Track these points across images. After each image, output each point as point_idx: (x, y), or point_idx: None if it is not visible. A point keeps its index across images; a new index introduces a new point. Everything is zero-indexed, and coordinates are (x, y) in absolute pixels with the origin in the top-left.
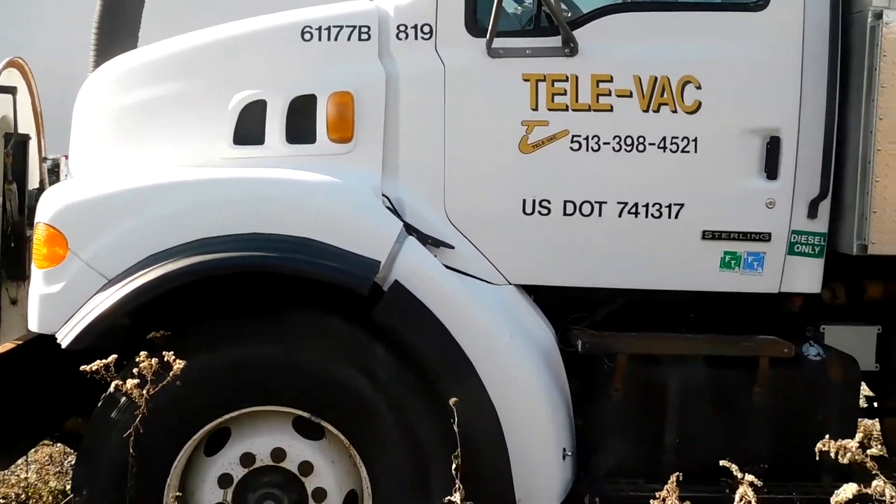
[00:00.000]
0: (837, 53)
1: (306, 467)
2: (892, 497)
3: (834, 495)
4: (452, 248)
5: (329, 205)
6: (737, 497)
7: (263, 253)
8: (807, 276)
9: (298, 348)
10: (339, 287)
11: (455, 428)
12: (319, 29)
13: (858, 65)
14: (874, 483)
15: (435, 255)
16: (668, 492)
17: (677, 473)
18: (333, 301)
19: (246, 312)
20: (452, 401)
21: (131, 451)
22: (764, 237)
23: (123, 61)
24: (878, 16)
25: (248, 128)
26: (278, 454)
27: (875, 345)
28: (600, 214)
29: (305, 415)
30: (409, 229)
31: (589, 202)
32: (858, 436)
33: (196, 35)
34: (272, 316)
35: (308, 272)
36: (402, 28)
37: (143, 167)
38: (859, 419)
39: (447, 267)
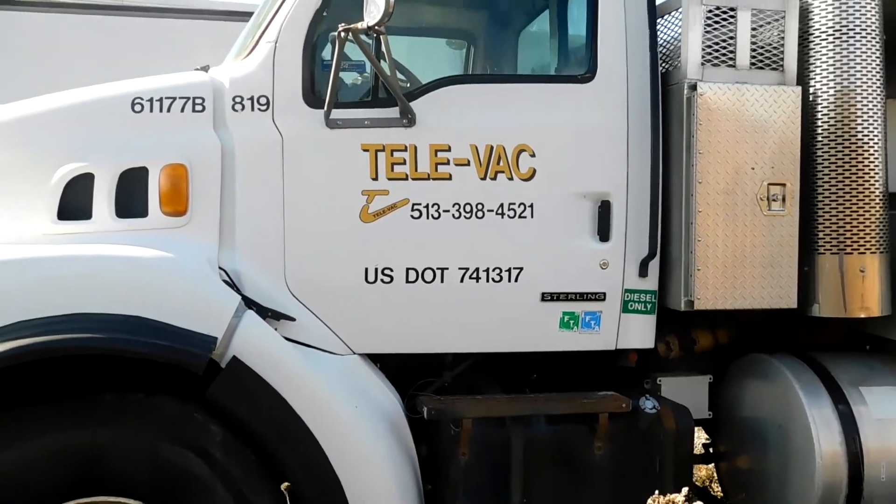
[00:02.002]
0: (659, 122)
1: None
2: None
3: None
4: (293, 319)
5: (161, 280)
6: None
7: (85, 334)
8: (640, 332)
9: (125, 434)
10: (174, 366)
11: None
12: (151, 100)
13: (678, 132)
14: None
15: (276, 328)
16: None
17: None
18: (168, 381)
19: (66, 396)
20: (284, 485)
21: None
22: (599, 297)
23: None
24: (693, 87)
25: (74, 202)
26: None
27: (707, 393)
28: (442, 280)
29: None
30: (248, 302)
31: (431, 269)
32: (684, 490)
33: (18, 106)
34: (93, 400)
35: (132, 352)
36: (237, 99)
37: None
38: (696, 465)
39: (289, 339)
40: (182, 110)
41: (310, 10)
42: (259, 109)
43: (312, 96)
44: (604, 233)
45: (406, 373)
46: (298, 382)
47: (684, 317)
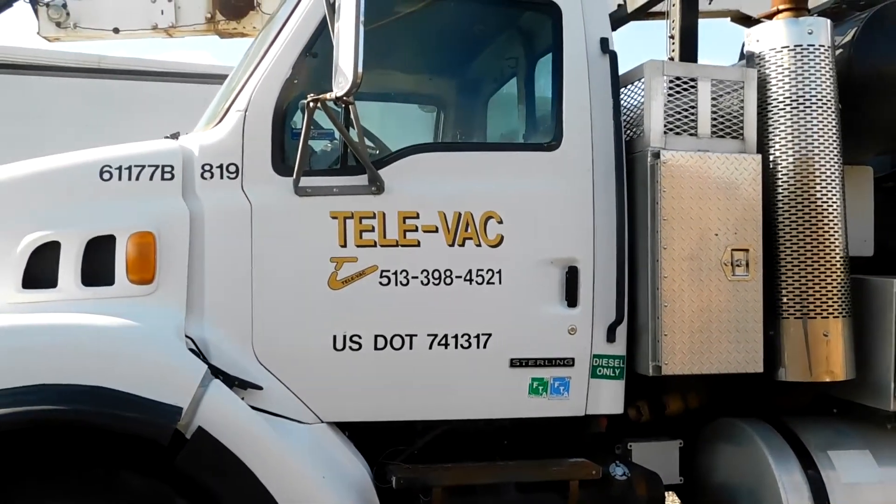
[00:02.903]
0: (624, 189)
1: None
2: None
3: None
4: (261, 388)
5: (126, 349)
6: None
7: (48, 406)
8: (610, 398)
9: None
10: (139, 438)
11: None
12: (120, 168)
13: (643, 199)
14: None
15: (243, 398)
16: None
17: None
18: (133, 454)
19: (25, 473)
20: None
21: None
22: (568, 362)
23: None
24: (657, 155)
25: (40, 270)
26: None
27: (678, 458)
28: (411, 347)
29: None
30: (215, 371)
31: (399, 335)
32: None
33: None
34: (57, 476)
35: (96, 423)
36: (207, 167)
37: None
38: None
39: (256, 409)
40: (151, 178)
41: (280, 79)
42: (228, 177)
43: (282, 164)
44: (571, 299)
45: (375, 441)
46: (265, 452)
47: (654, 381)
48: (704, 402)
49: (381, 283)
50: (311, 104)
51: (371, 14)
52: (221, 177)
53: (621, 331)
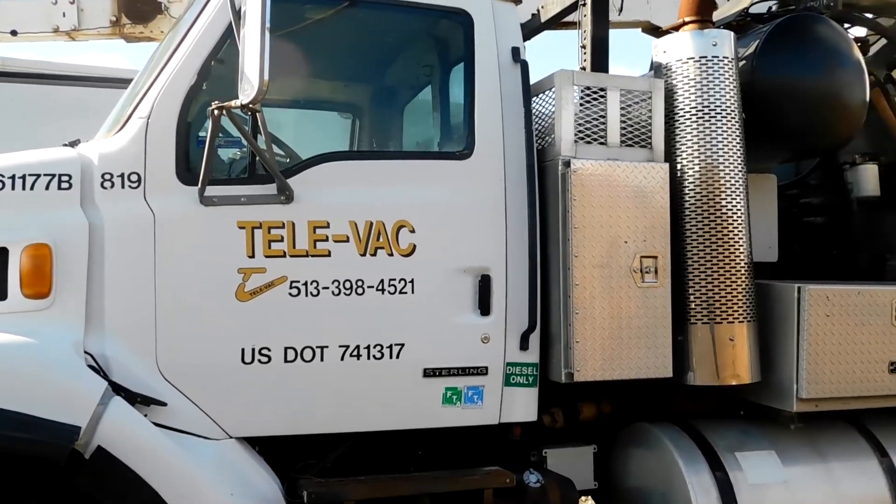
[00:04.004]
0: (535, 198)
1: None
2: None
3: None
4: (165, 404)
5: (21, 367)
6: None
7: None
8: (523, 406)
9: None
10: (34, 459)
11: None
12: (13, 177)
13: (554, 207)
14: None
15: (145, 414)
16: None
17: None
18: (34, 479)
19: None
20: None
21: None
22: (482, 371)
23: None
24: (567, 163)
25: None
26: None
27: (592, 463)
28: (322, 359)
29: None
30: (116, 388)
31: (310, 347)
32: None
33: None
34: None
35: None
36: (107, 176)
37: None
38: None
39: (160, 426)
40: (47, 188)
41: (184, 85)
42: (130, 187)
43: (187, 173)
44: (484, 307)
45: (287, 455)
46: (169, 471)
47: (568, 388)
48: (617, 408)
49: (290, 294)
50: (216, 112)
51: (282, 20)
52: (123, 186)
53: (534, 338)
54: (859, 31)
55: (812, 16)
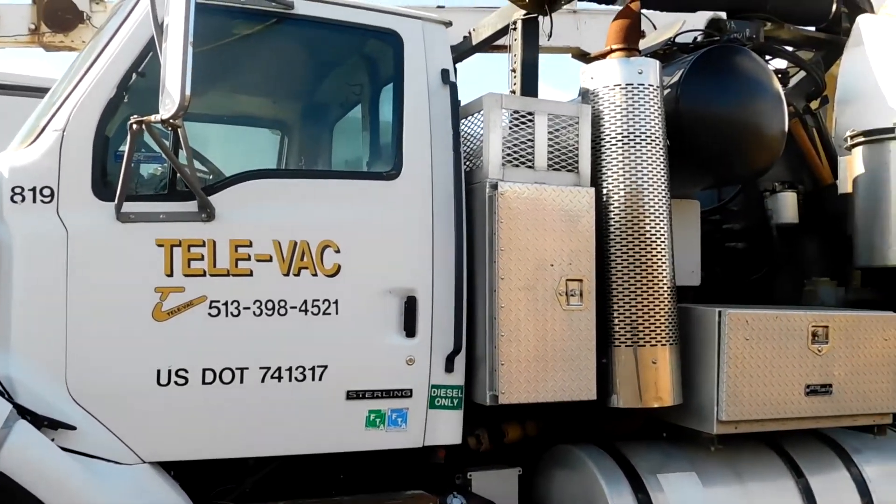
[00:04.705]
0: (462, 220)
1: None
2: None
3: None
4: (74, 428)
5: None
6: None
7: None
8: (448, 428)
9: None
10: None
11: None
12: None
13: (481, 230)
14: None
15: (52, 439)
16: None
17: None
18: None
19: None
20: None
21: None
22: (406, 393)
23: None
24: (494, 186)
25: None
26: None
27: (517, 486)
28: (242, 381)
29: None
30: (22, 411)
31: (230, 369)
32: None
33: None
34: None
35: None
36: (17, 190)
37: None
38: None
39: (69, 450)
40: None
41: (102, 98)
42: (42, 201)
43: (104, 189)
44: (410, 329)
45: (204, 480)
46: (77, 498)
47: (494, 410)
48: (543, 430)
49: (210, 314)
50: (136, 126)
51: (208, 35)
52: (34, 200)
53: (459, 361)
54: (780, 64)
55: (734, 47)
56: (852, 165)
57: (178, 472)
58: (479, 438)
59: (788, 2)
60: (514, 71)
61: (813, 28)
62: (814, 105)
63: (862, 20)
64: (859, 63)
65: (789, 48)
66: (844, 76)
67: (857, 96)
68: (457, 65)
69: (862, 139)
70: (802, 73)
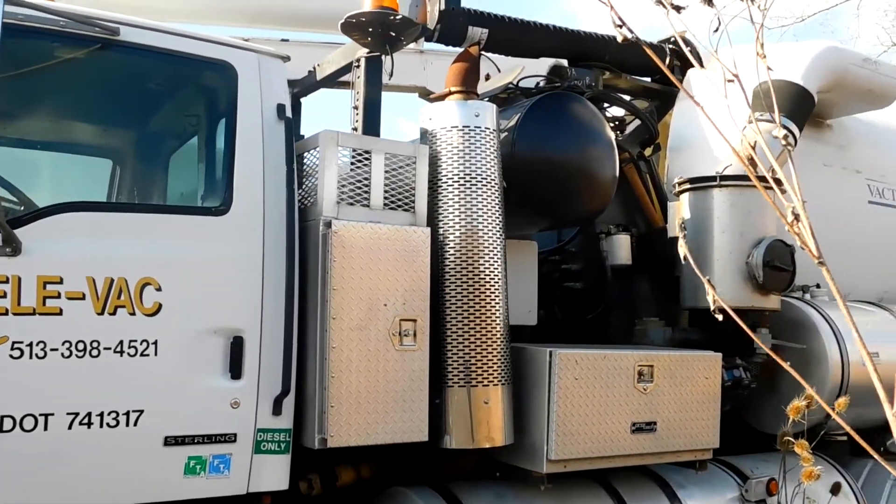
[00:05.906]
0: (295, 258)
1: None
2: None
3: None
4: None
5: None
6: None
7: None
8: (274, 474)
9: None
10: None
11: None
12: None
13: (314, 268)
14: None
15: None
16: None
17: None
18: None
19: None
20: None
21: None
22: (230, 438)
23: None
24: (328, 224)
25: None
26: None
27: None
28: (46, 428)
29: None
30: None
31: (32, 415)
32: None
33: None
34: None
35: None
36: None
37: None
38: None
39: None
40: None
41: None
42: None
43: None
44: (235, 370)
45: None
46: None
47: (326, 453)
48: (377, 472)
49: (12, 356)
50: None
51: (25, 57)
52: None
53: (288, 403)
54: (618, 111)
55: (569, 94)
56: (680, 210)
57: None
58: (310, 483)
59: (626, 53)
60: (356, 108)
61: (649, 79)
62: (647, 152)
63: (692, 73)
64: (688, 114)
65: (626, 97)
66: (676, 125)
67: (686, 145)
68: (302, 98)
69: (688, 186)
70: (638, 121)
